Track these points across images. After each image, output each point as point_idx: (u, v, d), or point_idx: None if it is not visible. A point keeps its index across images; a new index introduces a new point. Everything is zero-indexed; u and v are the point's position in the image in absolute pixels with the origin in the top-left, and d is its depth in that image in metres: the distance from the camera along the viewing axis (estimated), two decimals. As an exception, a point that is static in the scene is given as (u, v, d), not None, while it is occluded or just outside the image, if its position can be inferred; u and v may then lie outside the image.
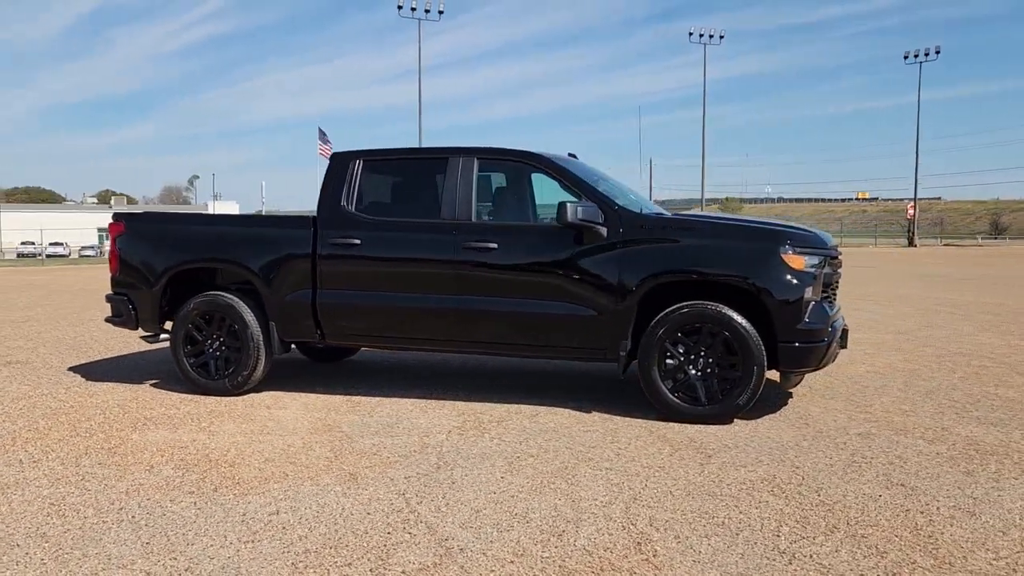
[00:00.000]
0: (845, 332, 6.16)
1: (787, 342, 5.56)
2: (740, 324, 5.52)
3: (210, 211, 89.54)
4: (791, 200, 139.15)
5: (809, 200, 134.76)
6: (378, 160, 6.58)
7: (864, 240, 71.25)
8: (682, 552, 3.55)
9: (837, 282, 6.24)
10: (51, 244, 68.21)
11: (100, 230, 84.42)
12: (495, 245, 6.02)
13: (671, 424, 5.68)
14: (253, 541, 3.69)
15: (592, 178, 6.38)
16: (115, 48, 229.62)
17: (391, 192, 6.59)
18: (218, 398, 6.60)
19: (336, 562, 3.47)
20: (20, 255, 68.24)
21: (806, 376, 6.45)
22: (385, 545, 3.64)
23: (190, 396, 6.67)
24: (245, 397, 6.65)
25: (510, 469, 4.70)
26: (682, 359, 5.71)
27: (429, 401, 6.44)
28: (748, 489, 4.35)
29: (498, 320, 6.10)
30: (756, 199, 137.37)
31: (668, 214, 6.32)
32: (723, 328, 5.57)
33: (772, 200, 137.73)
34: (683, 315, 5.67)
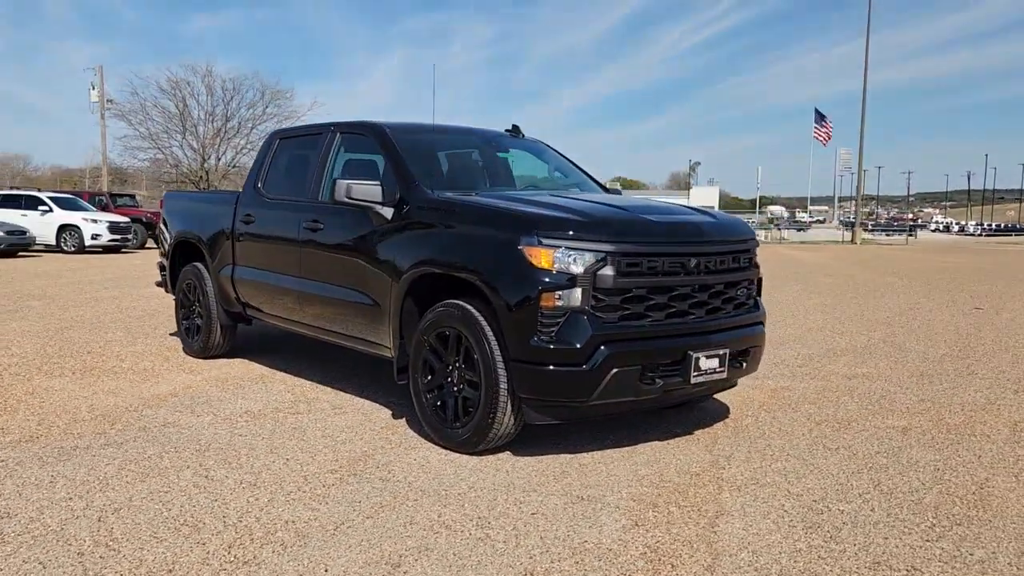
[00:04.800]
0: (729, 359, 4.54)
1: (519, 361, 4.28)
2: (479, 331, 4.40)
3: (688, 197, 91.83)
4: None
5: None
6: (288, 137, 6.56)
7: None
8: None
9: (701, 289, 4.54)
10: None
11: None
12: (322, 225, 5.63)
13: (425, 447, 4.79)
14: None
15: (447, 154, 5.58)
16: (648, 46, 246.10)
17: (285, 170, 6.49)
18: (174, 359, 7.25)
19: None
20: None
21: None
22: None
23: (169, 355, 7.43)
24: (205, 361, 7.17)
25: (130, 461, 4.46)
26: (438, 368, 4.74)
27: (309, 384, 6.29)
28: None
29: (319, 304, 5.72)
30: None
31: (486, 197, 5.18)
32: (466, 335, 4.50)
33: None
34: (436, 315, 4.71)
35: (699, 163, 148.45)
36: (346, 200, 5.01)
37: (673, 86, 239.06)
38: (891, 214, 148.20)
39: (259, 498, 3.90)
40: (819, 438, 4.98)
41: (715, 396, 5.92)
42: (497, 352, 4.32)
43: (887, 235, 59.43)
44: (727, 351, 4.59)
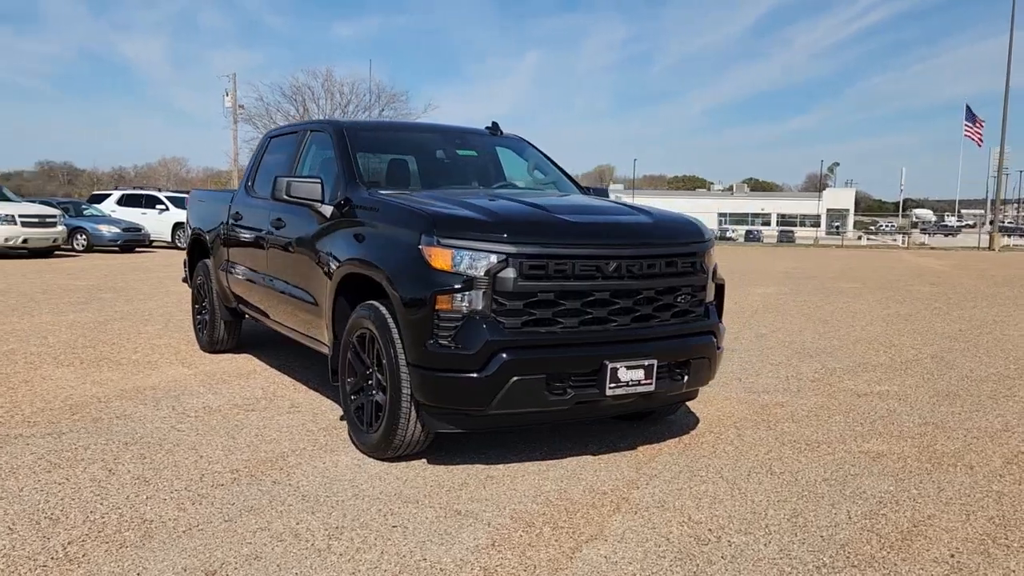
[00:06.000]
0: (673, 369, 4.38)
1: (416, 365, 4.12)
2: (387, 334, 4.27)
3: (820, 199, 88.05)
4: None
5: None
6: (276, 136, 6.62)
7: None
8: None
9: (629, 296, 4.25)
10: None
11: (720, 216, 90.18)
12: (284, 224, 5.65)
13: (346, 451, 4.72)
14: None
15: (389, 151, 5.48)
16: (786, 45, 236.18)
17: (269, 169, 6.53)
18: (185, 352, 7.46)
19: None
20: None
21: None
22: None
23: (182, 348, 7.66)
24: (211, 355, 7.35)
25: (54, 452, 4.56)
26: (359, 371, 4.65)
27: (288, 382, 6.32)
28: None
29: (279, 301, 5.74)
30: None
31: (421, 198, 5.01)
32: (378, 337, 4.38)
33: None
34: (356, 316, 4.62)
35: (837, 164, 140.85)
36: (285, 198, 4.97)
37: (811, 85, 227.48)
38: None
39: (140, 495, 3.89)
40: (771, 460, 4.56)
41: (692, 410, 5.57)
42: (401, 356, 4.17)
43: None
44: (654, 362, 4.25)
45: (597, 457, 4.59)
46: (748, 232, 76.72)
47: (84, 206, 24.22)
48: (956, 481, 4.27)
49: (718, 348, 4.71)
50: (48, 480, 4.07)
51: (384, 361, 4.27)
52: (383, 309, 4.32)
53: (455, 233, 4.04)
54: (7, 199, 19.99)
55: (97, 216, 23.23)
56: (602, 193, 6.04)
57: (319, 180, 4.98)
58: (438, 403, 4.09)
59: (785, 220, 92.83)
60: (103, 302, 11.08)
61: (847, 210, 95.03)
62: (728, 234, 77.90)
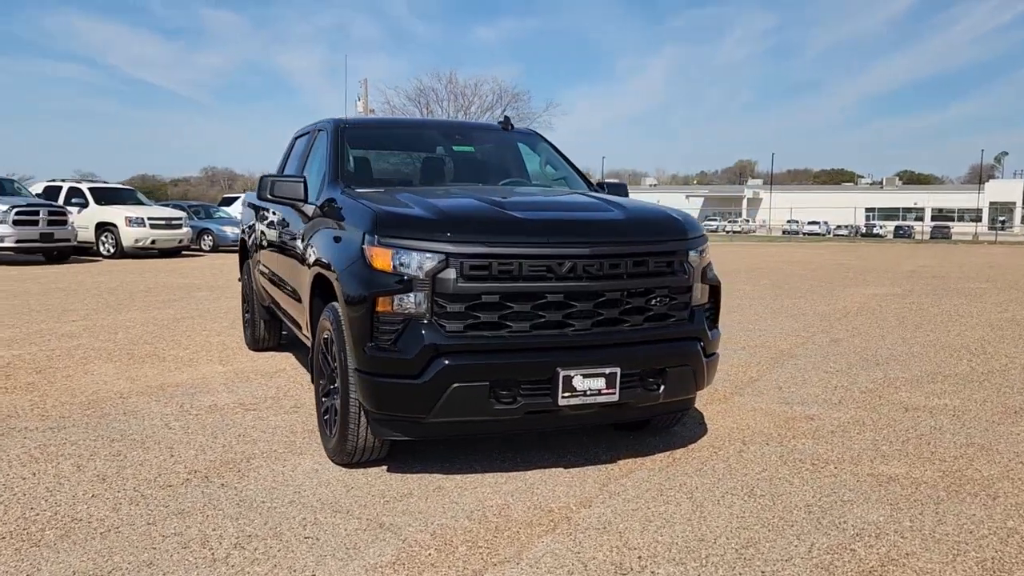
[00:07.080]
0: (650, 378, 4.06)
1: (357, 370, 3.99)
2: (341, 334, 4.17)
3: (982, 191, 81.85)
4: None
5: None
6: (299, 136, 6.65)
7: None
8: None
9: (591, 297, 3.96)
10: (809, 223, 72.30)
11: (868, 211, 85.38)
12: (287, 222, 5.66)
13: (315, 455, 4.65)
14: None
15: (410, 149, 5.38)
16: (946, 27, 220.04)
17: (293, 167, 6.56)
18: (231, 349, 7.64)
19: None
20: (784, 232, 73.49)
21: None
22: None
23: (231, 345, 7.86)
24: (253, 353, 7.51)
25: (42, 446, 4.75)
26: (326, 373, 4.57)
27: (306, 382, 6.34)
28: None
29: (284, 303, 5.73)
30: None
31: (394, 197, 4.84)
32: (335, 339, 4.29)
33: None
34: (322, 318, 4.53)
35: (1005, 153, 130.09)
36: (269, 198, 4.94)
37: (974, 70, 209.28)
38: None
39: (88, 493, 3.93)
40: (759, 481, 4.13)
41: (704, 420, 5.18)
42: (350, 359, 4.04)
43: None
44: (617, 370, 3.91)
45: (567, 470, 4.29)
46: (897, 228, 72.52)
47: (213, 209, 25.58)
48: (965, 513, 3.71)
49: (708, 355, 4.31)
50: (16, 475, 4.17)
51: (337, 364, 4.15)
52: (340, 310, 4.20)
53: (396, 232, 3.86)
54: (140, 203, 21.36)
55: (224, 218, 24.49)
56: (619, 190, 5.67)
57: (302, 180, 4.92)
58: (379, 409, 3.92)
59: (941, 215, 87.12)
60: (192, 300, 11.57)
61: (1013, 203, 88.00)
62: (875, 230, 73.80)
